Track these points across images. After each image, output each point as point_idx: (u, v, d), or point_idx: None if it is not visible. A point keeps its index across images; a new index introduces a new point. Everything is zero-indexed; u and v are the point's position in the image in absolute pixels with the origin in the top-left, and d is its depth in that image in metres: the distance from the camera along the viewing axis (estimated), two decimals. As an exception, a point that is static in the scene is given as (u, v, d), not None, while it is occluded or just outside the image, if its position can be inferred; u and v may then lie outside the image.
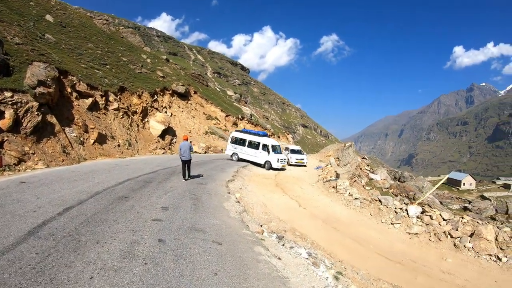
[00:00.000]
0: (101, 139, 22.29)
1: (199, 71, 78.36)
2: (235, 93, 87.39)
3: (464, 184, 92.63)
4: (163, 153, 28.79)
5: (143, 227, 7.22)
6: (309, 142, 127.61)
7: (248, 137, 27.02)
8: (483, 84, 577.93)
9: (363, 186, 23.15)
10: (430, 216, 14.63)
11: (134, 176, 14.01)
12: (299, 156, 30.57)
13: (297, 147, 34.55)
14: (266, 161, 25.25)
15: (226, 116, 48.85)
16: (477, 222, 14.18)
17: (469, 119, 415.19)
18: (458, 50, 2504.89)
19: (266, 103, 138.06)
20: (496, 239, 12.50)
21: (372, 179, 26.82)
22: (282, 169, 25.34)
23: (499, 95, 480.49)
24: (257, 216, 12.29)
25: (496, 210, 58.94)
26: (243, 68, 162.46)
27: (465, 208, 58.46)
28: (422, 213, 15.17)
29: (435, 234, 13.56)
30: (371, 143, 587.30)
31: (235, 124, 49.70)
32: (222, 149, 36.48)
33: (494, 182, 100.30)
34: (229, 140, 28.59)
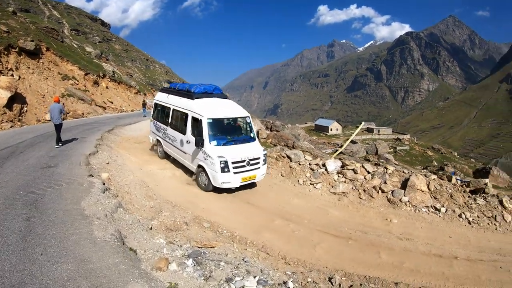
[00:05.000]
0: None
1: (53, 26, 67.66)
2: (95, 50, 77.49)
3: (331, 129, 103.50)
4: (11, 126, 22.00)
5: None
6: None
7: (173, 102, 13.69)
8: (344, 41, 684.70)
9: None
10: (353, 170, 13.41)
11: None
12: None
13: None
14: (199, 165, 11.43)
15: (86, 74, 42.70)
16: (403, 172, 13.63)
17: (330, 71, 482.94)
18: (323, 9, 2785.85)
19: (129, 60, 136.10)
20: (428, 189, 11.98)
21: (248, 130, 25.48)
22: (251, 185, 12.26)
23: (358, 51, 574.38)
24: (140, 207, 8.71)
25: (366, 152, 67.51)
26: (103, 23, 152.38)
27: (335, 151, 64.98)
28: (342, 167, 13.91)
29: (364, 190, 12.36)
30: (237, 96, 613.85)
31: (96, 83, 44.01)
32: (83, 113, 30.93)
33: (358, 127, 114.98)
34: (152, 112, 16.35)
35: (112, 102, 42.59)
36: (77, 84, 39.26)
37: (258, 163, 11.49)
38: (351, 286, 6.33)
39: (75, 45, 70.53)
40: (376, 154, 62.22)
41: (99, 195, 8.01)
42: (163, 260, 5.45)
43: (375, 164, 15.37)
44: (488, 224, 10.33)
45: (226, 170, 10.60)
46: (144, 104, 36.18)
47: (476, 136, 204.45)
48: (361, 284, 6.46)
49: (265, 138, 22.82)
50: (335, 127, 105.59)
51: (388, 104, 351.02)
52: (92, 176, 9.69)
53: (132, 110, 42.29)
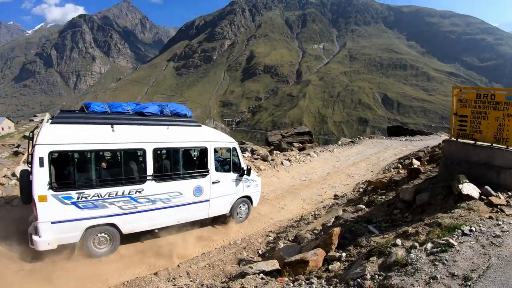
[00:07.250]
0: None
1: None
2: None
3: (3, 129, 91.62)
4: None
5: None
6: None
7: (154, 138, 8.26)
8: (11, 22, 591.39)
9: None
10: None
11: None
12: None
13: None
14: (240, 197, 10.59)
15: None
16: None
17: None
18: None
19: None
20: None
21: None
22: None
23: (27, 34, 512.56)
24: None
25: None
26: None
27: (16, 153, 60.45)
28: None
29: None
30: None
31: None
32: None
33: (32, 120, 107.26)
34: (36, 162, 6.73)
35: None
36: None
37: None
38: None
39: None
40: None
41: None
42: None
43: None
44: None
45: None
46: None
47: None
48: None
49: None
50: (7, 125, 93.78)
51: (61, 91, 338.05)
52: None
53: None
